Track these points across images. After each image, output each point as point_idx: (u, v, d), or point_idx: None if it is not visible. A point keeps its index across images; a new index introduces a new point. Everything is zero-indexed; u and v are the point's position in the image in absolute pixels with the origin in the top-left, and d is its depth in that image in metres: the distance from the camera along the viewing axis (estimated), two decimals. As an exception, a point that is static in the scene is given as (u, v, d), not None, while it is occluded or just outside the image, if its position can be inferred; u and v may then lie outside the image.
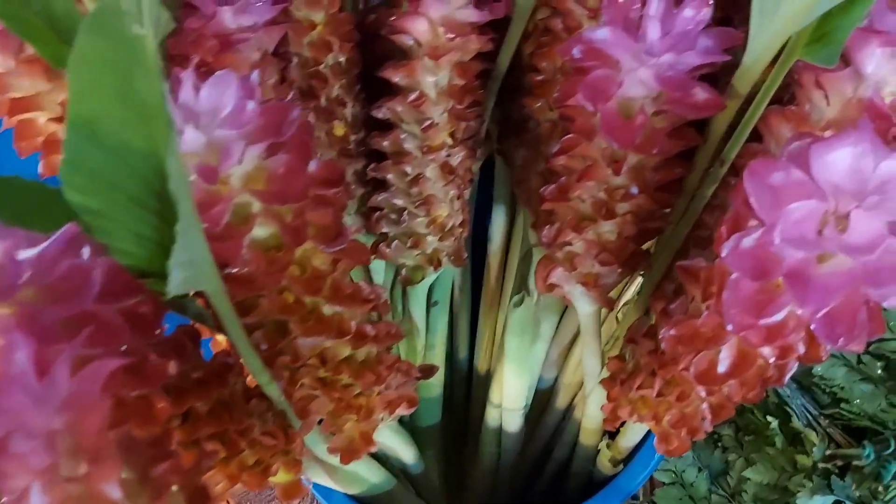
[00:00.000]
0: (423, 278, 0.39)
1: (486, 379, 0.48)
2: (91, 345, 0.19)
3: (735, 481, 0.44)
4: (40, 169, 0.32)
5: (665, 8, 0.24)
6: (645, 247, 0.33)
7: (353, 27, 0.35)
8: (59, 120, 0.31)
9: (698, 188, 0.30)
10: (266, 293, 0.26)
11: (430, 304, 0.44)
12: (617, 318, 0.43)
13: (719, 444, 0.46)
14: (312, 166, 0.24)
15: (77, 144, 0.18)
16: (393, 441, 0.41)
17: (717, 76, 0.28)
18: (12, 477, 0.18)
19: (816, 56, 0.24)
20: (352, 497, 0.40)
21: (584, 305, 0.34)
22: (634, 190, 0.27)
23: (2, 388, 0.18)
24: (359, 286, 0.28)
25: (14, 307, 0.19)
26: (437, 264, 0.38)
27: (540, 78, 0.34)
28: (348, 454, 0.33)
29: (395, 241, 0.38)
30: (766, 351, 0.24)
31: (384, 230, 0.38)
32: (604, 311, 0.44)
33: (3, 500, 0.18)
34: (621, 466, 0.43)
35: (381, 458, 0.43)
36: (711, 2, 0.24)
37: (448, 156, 0.35)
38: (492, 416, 0.46)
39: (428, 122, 0.34)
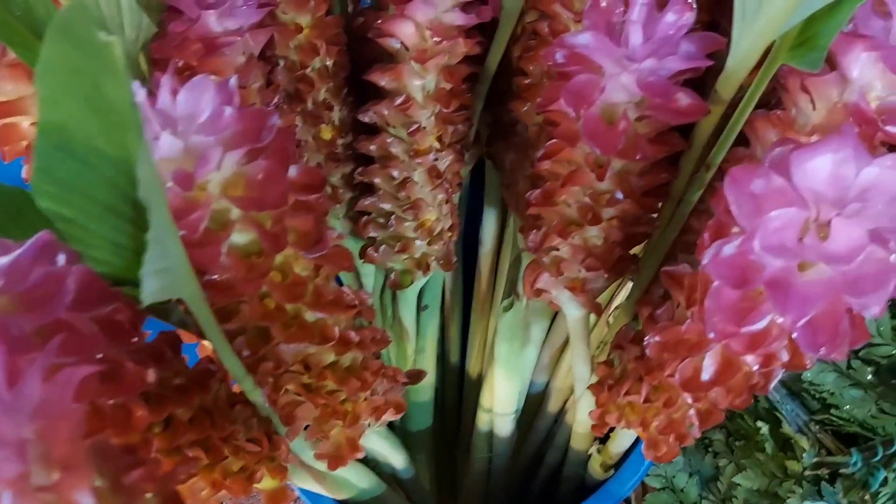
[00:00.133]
0: (411, 282, 0.39)
1: (478, 382, 0.48)
2: (64, 353, 0.19)
3: (725, 487, 0.44)
4: (24, 174, 0.32)
5: (648, 12, 0.24)
6: (634, 251, 0.33)
7: (340, 30, 0.35)
8: (42, 124, 0.31)
9: (685, 193, 0.29)
10: (247, 299, 0.25)
11: (420, 308, 0.44)
12: (608, 322, 0.43)
13: (710, 449, 0.46)
14: (292, 172, 0.24)
15: (47, 152, 0.18)
16: (382, 446, 0.40)
17: (704, 80, 0.28)
18: (-17, 486, 0.18)
19: (801, 60, 0.24)
20: (340, 502, 0.39)
21: (572, 310, 0.34)
22: (619, 195, 0.27)
23: (-29, 397, 0.18)
24: (342, 292, 0.28)
25: (-15, 316, 0.19)
26: (426, 268, 0.38)
27: (527, 81, 0.34)
28: (335, 460, 0.33)
29: (383, 246, 0.37)
30: (750, 359, 0.24)
31: (372, 234, 0.37)
32: (595, 315, 0.43)
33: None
34: (612, 471, 0.42)
35: (371, 463, 0.42)
36: (694, 6, 0.24)
37: (435, 160, 0.35)
38: (483, 421, 0.46)
39: (415, 126, 0.34)
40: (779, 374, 0.25)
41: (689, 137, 0.28)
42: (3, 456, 0.18)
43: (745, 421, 0.45)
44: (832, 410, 0.43)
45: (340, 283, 0.45)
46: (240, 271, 0.24)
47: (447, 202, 0.37)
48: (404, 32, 0.32)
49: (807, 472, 0.41)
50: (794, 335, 0.20)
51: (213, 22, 0.30)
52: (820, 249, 0.19)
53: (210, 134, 0.22)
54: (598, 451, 0.42)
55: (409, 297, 0.42)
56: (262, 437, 0.30)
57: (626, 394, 0.31)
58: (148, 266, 0.19)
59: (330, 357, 0.29)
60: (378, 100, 0.34)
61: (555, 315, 0.43)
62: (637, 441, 0.41)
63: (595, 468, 0.43)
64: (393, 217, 0.36)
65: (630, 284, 0.36)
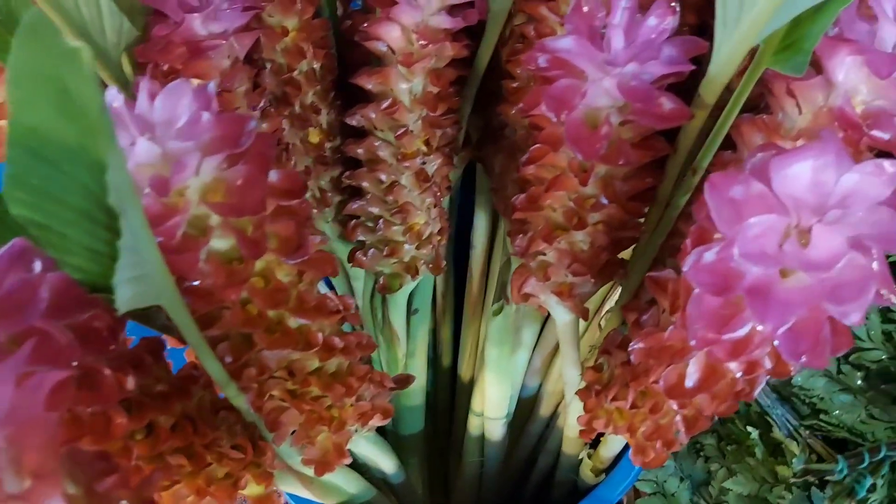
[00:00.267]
0: (400, 286, 0.39)
1: (470, 386, 0.47)
2: (37, 360, 0.19)
3: (717, 491, 0.43)
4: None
5: (629, 17, 0.23)
6: (623, 255, 0.33)
7: (327, 33, 0.35)
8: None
9: (672, 197, 0.29)
10: (229, 305, 0.25)
11: (410, 312, 0.43)
12: (600, 325, 0.43)
13: (701, 453, 0.46)
14: (273, 177, 0.24)
15: (19, 159, 0.18)
16: (371, 451, 0.40)
17: (690, 85, 0.28)
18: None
19: (785, 65, 0.24)
20: (329, 507, 0.39)
21: (561, 315, 0.34)
22: (604, 200, 0.27)
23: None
24: (326, 297, 0.28)
25: (-44, 324, 0.19)
26: (415, 272, 0.38)
27: (515, 85, 0.33)
28: (322, 466, 0.33)
29: (372, 250, 0.37)
30: (733, 366, 0.23)
31: (360, 238, 0.37)
32: (583, 320, 0.43)
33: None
34: (604, 476, 0.42)
35: (362, 468, 0.42)
36: (678, 10, 0.24)
37: (423, 163, 0.35)
38: (474, 425, 0.46)
39: (402, 130, 0.33)
40: (763, 381, 0.25)
41: (675, 142, 0.28)
42: (-25, 464, 0.18)
43: (737, 425, 0.45)
44: (821, 416, 0.43)
45: (332, 287, 0.46)
46: (220, 277, 0.24)
47: (436, 206, 0.37)
48: (390, 36, 0.32)
49: (797, 478, 0.40)
50: (776, 342, 0.20)
51: (197, 25, 0.29)
52: (800, 257, 0.19)
53: (187, 139, 0.22)
54: (589, 456, 0.42)
55: (398, 301, 0.41)
56: (247, 443, 0.30)
57: (614, 399, 0.30)
58: (121, 274, 0.18)
59: (314, 363, 0.28)
60: (365, 103, 0.34)
61: (546, 318, 0.43)
62: (627, 446, 0.40)
63: (586, 473, 0.43)
64: (381, 221, 0.36)
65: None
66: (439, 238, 0.38)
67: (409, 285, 0.40)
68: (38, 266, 0.21)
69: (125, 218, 0.18)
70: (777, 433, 0.43)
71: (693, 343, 0.21)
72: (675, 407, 0.28)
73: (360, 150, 0.35)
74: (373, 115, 0.34)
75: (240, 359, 0.27)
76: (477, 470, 0.48)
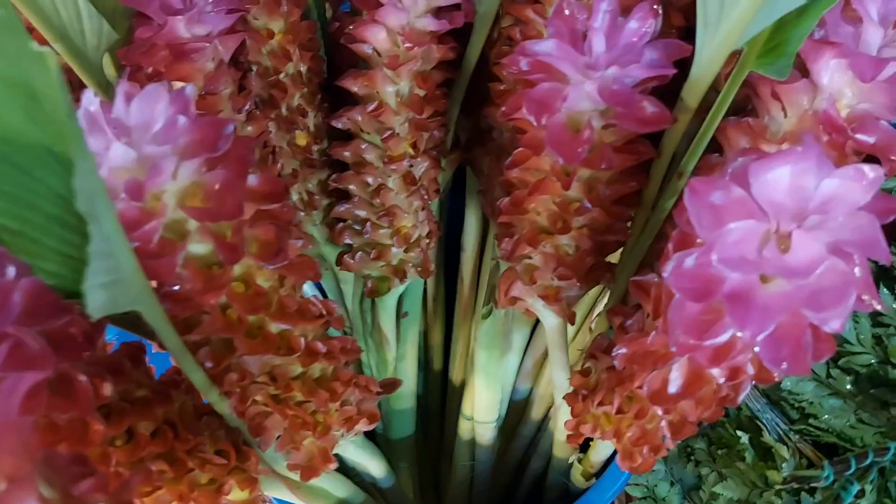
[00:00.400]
0: (389, 290, 0.38)
1: (461, 390, 0.47)
2: (10, 367, 0.19)
3: (707, 496, 0.43)
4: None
5: (611, 20, 0.23)
6: (611, 258, 0.33)
7: (313, 36, 0.34)
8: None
9: (658, 201, 0.29)
10: (208, 310, 0.25)
11: (400, 316, 0.43)
12: (591, 329, 0.43)
13: (692, 457, 0.45)
14: (252, 181, 0.24)
15: (-11, 164, 0.18)
16: (359, 455, 0.40)
17: (677, 88, 0.27)
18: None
19: (769, 68, 0.23)
20: (317, 512, 0.39)
21: (548, 319, 0.34)
22: (588, 204, 0.27)
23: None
24: (309, 302, 0.28)
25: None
26: (403, 276, 0.38)
27: (502, 87, 0.33)
28: (308, 471, 0.32)
29: (360, 253, 0.37)
30: (716, 372, 0.23)
31: (348, 241, 0.37)
32: (579, 321, 0.43)
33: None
34: (594, 480, 0.42)
35: (351, 472, 0.42)
36: (660, 13, 0.24)
37: (410, 166, 0.35)
38: (465, 429, 0.46)
39: (388, 133, 0.33)
40: (748, 387, 0.25)
41: (660, 145, 0.27)
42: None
43: (727, 430, 0.45)
44: (811, 420, 0.42)
45: (322, 290, 0.45)
46: (198, 282, 0.23)
47: (423, 209, 0.37)
48: (376, 38, 0.31)
49: (783, 485, 0.40)
50: (757, 349, 0.20)
51: (180, 28, 0.29)
52: (779, 262, 0.19)
53: (164, 143, 0.21)
54: (579, 461, 0.41)
55: (388, 304, 0.41)
56: (230, 448, 0.29)
57: (600, 404, 0.30)
58: (92, 279, 0.18)
59: (297, 368, 0.28)
60: (351, 106, 0.34)
61: (536, 322, 0.43)
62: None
63: (577, 477, 0.43)
64: (368, 224, 0.36)
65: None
66: (427, 241, 0.38)
67: (398, 289, 0.39)
68: (11, 271, 0.21)
69: (95, 223, 0.18)
70: (767, 437, 0.43)
71: (674, 349, 0.21)
72: (660, 412, 0.27)
73: (346, 153, 0.35)
74: (359, 118, 0.33)
75: (220, 364, 0.27)
76: (468, 474, 0.47)
